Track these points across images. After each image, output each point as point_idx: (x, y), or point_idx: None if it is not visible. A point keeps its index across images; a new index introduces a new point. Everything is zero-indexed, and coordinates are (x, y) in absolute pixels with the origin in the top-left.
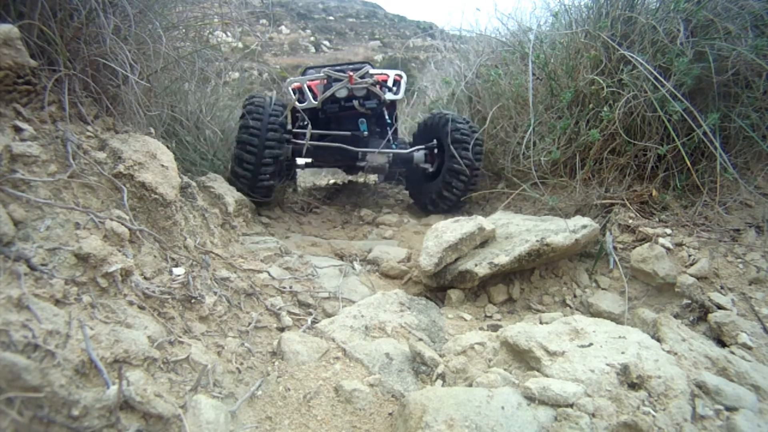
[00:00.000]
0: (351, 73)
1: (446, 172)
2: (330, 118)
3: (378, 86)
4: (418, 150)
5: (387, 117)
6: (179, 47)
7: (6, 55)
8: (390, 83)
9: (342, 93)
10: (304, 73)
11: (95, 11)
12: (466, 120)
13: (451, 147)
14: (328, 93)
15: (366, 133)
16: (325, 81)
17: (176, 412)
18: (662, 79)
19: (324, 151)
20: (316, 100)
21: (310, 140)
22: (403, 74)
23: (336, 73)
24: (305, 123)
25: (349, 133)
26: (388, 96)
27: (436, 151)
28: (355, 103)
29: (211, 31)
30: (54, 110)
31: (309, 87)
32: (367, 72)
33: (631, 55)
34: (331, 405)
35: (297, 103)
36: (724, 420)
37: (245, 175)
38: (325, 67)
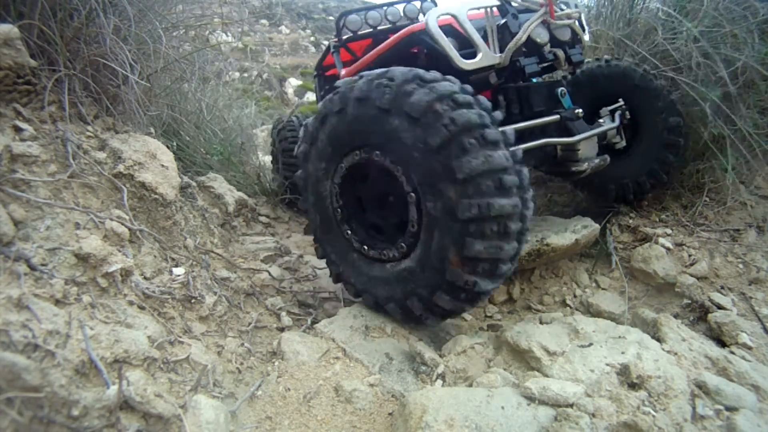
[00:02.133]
0: None
1: (665, 139)
2: (510, 87)
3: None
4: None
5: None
6: (179, 47)
7: (6, 55)
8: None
9: (543, 35)
10: (339, 20)
11: (95, 11)
12: None
13: (670, 109)
14: (522, 35)
15: (579, 111)
16: (496, 11)
17: (176, 412)
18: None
19: None
20: (499, 52)
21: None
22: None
23: None
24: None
25: (558, 116)
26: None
27: (628, 116)
28: (560, 54)
29: (211, 31)
30: (54, 110)
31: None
32: None
33: (631, 56)
34: (331, 405)
35: (461, 59)
36: (724, 420)
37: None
38: (370, 10)
